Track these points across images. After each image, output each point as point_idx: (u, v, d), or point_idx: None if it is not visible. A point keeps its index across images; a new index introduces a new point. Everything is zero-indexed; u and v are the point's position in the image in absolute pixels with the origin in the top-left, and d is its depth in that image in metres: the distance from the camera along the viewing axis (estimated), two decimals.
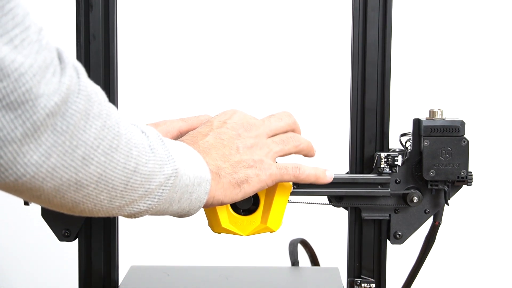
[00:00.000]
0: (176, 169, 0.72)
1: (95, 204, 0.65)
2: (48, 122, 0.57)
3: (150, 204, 0.71)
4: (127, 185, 0.66)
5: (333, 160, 1.71)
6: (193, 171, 0.76)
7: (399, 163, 0.97)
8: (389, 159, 0.96)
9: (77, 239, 0.99)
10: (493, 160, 1.87)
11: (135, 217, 0.73)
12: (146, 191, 0.69)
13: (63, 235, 0.97)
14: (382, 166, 0.96)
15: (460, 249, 1.89)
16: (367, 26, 0.97)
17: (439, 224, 0.98)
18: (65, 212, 0.67)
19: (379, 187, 0.96)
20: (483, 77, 1.87)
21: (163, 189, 0.71)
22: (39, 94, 0.56)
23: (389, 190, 0.96)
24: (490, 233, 1.90)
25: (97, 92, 0.62)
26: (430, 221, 0.98)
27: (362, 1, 0.96)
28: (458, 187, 0.97)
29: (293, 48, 1.85)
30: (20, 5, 0.56)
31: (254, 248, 1.81)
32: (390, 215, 0.98)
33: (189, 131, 0.94)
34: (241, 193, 0.82)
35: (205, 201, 0.79)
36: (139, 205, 0.70)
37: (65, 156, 0.59)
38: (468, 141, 0.95)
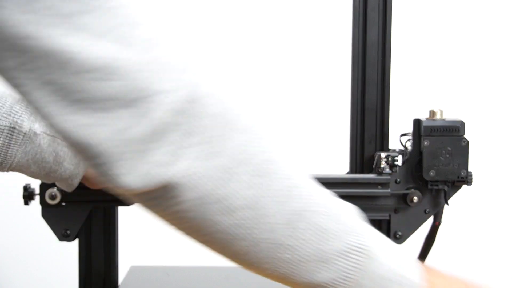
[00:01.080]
0: (362, 244, 0.61)
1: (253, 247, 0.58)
2: (178, 120, 0.53)
3: (331, 277, 0.60)
4: (292, 226, 0.59)
5: (333, 160, 1.71)
6: (396, 262, 0.63)
7: (399, 163, 0.97)
8: (389, 159, 0.96)
9: (77, 239, 0.99)
10: (493, 160, 1.87)
11: None
12: (317, 249, 0.60)
13: (63, 235, 0.97)
14: (382, 166, 0.96)
15: (460, 249, 1.89)
16: (367, 26, 0.97)
17: (439, 224, 0.98)
18: (218, 252, 0.61)
19: (379, 187, 0.96)
20: (483, 77, 1.87)
21: (345, 260, 0.60)
22: (158, 90, 0.52)
23: (389, 190, 0.96)
24: (490, 233, 1.90)
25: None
26: (430, 221, 0.98)
27: (362, 1, 0.96)
28: (458, 187, 0.97)
29: (293, 48, 1.85)
30: (128, 5, 0.52)
31: None
32: (390, 215, 0.98)
33: None
34: None
35: None
36: (312, 273, 0.60)
37: (208, 161, 0.56)
38: (468, 141, 0.95)
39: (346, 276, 0.60)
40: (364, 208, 0.98)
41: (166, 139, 0.53)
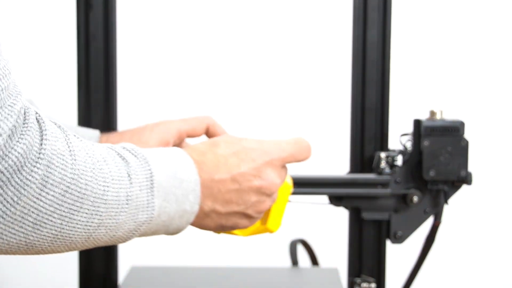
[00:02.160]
0: (151, 216, 0.67)
1: (52, 250, 0.62)
2: None
3: (116, 240, 0.67)
4: (88, 238, 0.63)
5: (333, 160, 1.71)
6: (179, 204, 0.69)
7: (399, 163, 0.97)
8: (389, 159, 0.96)
9: None
10: (493, 160, 1.87)
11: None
12: (110, 238, 0.65)
13: None
14: (382, 166, 0.96)
15: (460, 249, 1.89)
16: (367, 26, 0.97)
17: (439, 224, 0.98)
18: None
19: (379, 187, 0.96)
20: (483, 77, 1.87)
21: (132, 234, 0.67)
22: None
23: (389, 190, 0.96)
24: (490, 233, 1.90)
25: (64, 154, 0.58)
26: (430, 221, 0.98)
27: (362, 1, 0.96)
28: (458, 187, 0.97)
29: (293, 48, 1.85)
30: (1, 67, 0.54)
31: (254, 249, 1.81)
32: (390, 215, 0.98)
33: (188, 132, 0.93)
34: (216, 231, 0.77)
35: (184, 228, 0.72)
36: (100, 242, 0.66)
37: (13, 224, 0.56)
38: (467, 141, 0.95)
39: (126, 239, 0.67)
40: (364, 208, 0.98)
41: None
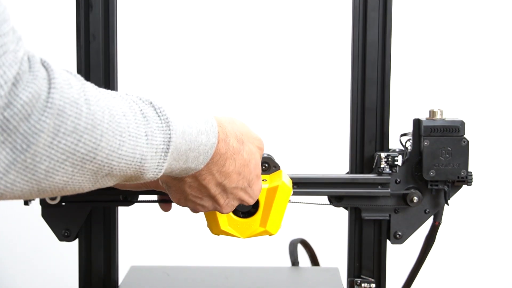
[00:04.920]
0: (156, 177, 0.68)
1: (60, 194, 0.63)
2: (1, 137, 0.54)
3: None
4: (95, 184, 0.63)
5: (333, 160, 1.71)
6: (187, 164, 0.72)
7: (399, 163, 0.97)
8: (389, 159, 0.96)
9: (77, 239, 0.99)
10: (493, 160, 1.87)
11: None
12: (114, 184, 0.66)
13: (63, 235, 0.97)
14: (382, 166, 0.96)
15: (460, 249, 1.89)
16: (367, 26, 0.97)
17: (439, 224, 0.98)
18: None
19: (379, 187, 0.96)
20: (483, 77, 1.87)
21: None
22: None
23: (389, 190, 0.96)
24: (490, 233, 1.90)
25: (78, 102, 0.57)
26: (430, 221, 0.98)
27: (362, 1, 0.96)
28: (458, 187, 0.97)
29: (293, 48, 1.85)
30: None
31: (254, 248, 1.81)
32: (390, 215, 0.98)
33: None
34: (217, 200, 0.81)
35: (215, 146, 0.75)
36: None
37: (25, 171, 0.56)
38: (468, 141, 0.95)
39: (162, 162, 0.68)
40: (364, 208, 0.98)
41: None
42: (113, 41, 0.97)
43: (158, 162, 0.67)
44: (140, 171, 0.65)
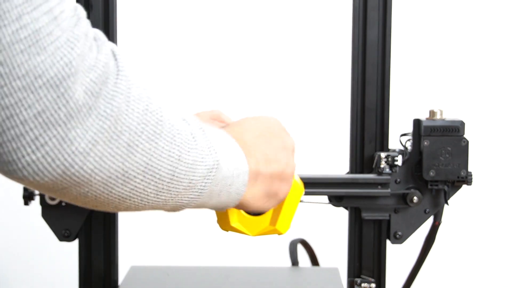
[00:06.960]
0: (217, 160, 0.68)
1: (141, 198, 0.61)
2: (90, 102, 0.53)
3: (192, 197, 0.67)
4: (173, 175, 0.62)
5: (333, 160, 1.71)
6: (233, 162, 0.71)
7: (399, 163, 0.97)
8: (389, 159, 0.96)
9: (77, 239, 0.99)
10: (493, 160, 1.87)
11: (176, 211, 0.69)
12: (190, 182, 0.65)
13: (63, 235, 0.97)
14: (382, 166, 0.96)
15: (460, 249, 1.90)
16: (367, 26, 0.97)
17: (439, 224, 0.98)
18: (110, 210, 0.62)
19: (379, 187, 0.96)
20: (483, 77, 1.87)
21: (205, 182, 0.67)
22: (79, 69, 0.52)
23: (389, 190, 0.96)
24: (490, 233, 1.90)
25: (137, 74, 0.58)
26: (430, 221, 0.98)
27: (362, 1, 0.96)
28: (458, 187, 0.97)
29: (293, 48, 1.85)
30: None
31: (254, 248, 1.81)
32: (390, 215, 0.98)
33: None
34: (267, 205, 0.80)
35: (243, 194, 0.74)
36: (182, 199, 0.66)
37: (110, 143, 0.55)
38: (468, 141, 0.95)
39: (202, 191, 0.67)
40: (364, 208, 0.98)
41: (84, 124, 0.53)
42: (113, 41, 0.97)
43: (208, 145, 0.68)
44: (200, 155, 0.66)
